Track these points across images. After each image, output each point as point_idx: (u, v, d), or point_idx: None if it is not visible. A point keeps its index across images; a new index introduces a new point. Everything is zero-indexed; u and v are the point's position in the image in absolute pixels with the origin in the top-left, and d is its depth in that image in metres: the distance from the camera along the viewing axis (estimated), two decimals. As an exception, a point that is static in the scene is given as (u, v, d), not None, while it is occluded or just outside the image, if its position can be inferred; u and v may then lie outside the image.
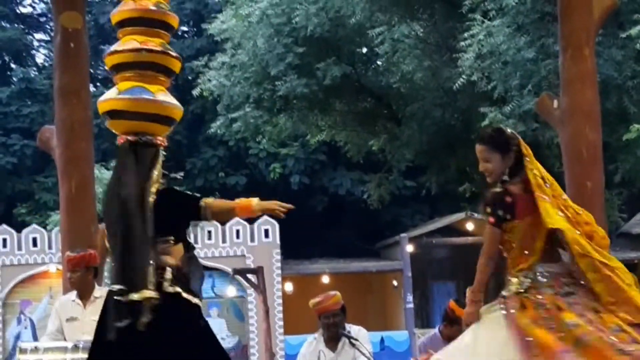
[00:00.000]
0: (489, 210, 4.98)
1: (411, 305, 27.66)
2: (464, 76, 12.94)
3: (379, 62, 15.97)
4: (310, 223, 31.08)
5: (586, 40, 7.87)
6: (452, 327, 7.31)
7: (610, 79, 11.85)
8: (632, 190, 14.05)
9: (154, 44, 5.11)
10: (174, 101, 5.18)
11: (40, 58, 36.60)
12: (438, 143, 15.53)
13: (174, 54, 5.19)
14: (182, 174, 5.77)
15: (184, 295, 5.03)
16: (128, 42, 5.10)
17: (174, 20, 5.25)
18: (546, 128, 11.28)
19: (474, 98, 13.72)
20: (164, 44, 5.17)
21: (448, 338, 7.30)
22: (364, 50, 16.51)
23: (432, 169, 16.49)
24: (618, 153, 12.74)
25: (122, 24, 5.15)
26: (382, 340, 26.64)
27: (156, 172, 5.08)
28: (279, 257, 26.95)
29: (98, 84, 34.06)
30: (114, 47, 5.15)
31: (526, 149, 5.02)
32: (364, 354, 7.45)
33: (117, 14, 5.18)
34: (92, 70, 33.77)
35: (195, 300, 5.07)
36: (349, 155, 17.94)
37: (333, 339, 7.71)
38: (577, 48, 7.85)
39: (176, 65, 5.21)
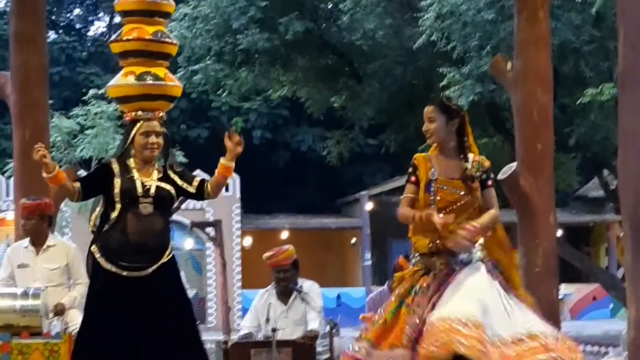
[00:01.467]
0: (491, 175, 5.28)
1: (369, 263, 27.86)
2: (424, 35, 13.00)
3: (342, 19, 15.95)
4: (272, 178, 31.11)
5: (541, 3, 7.91)
6: None
7: (568, 42, 11.94)
8: (587, 153, 14.20)
9: (155, 31, 5.99)
10: (173, 81, 6.04)
11: (1, 2, 36.20)
12: (398, 102, 15.59)
13: (172, 40, 6.14)
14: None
15: None
16: (132, 31, 5.98)
17: (170, 8, 6.13)
18: (503, 90, 11.35)
19: (434, 58, 13.79)
20: (162, 32, 6.02)
21: None
22: (328, 6, 16.48)
23: (392, 128, 16.58)
24: (574, 116, 12.87)
25: (125, 14, 6.06)
26: (338, 296, 26.83)
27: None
28: (238, 211, 26.98)
29: (60, 30, 33.75)
30: (125, 35, 5.99)
31: (469, 129, 5.27)
32: (314, 309, 7.54)
33: (125, 3, 6.05)
34: (54, 17, 33.46)
35: None
36: (311, 111, 17.96)
37: (284, 293, 7.79)
38: (532, 11, 7.90)
39: (173, 50, 6.15)
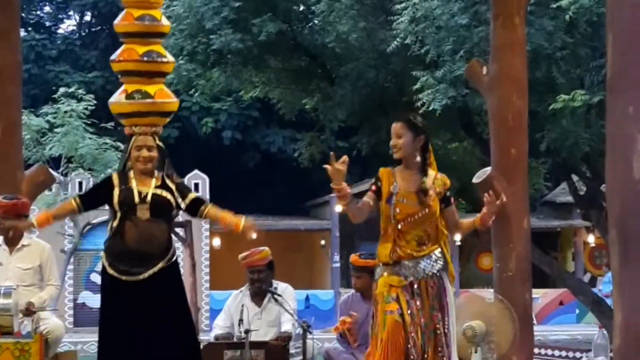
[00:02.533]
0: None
1: (338, 265, 27.88)
2: (398, 39, 13.02)
3: (315, 21, 15.95)
4: (241, 179, 31.05)
5: (517, 9, 7.95)
6: (360, 278, 7.43)
7: (540, 48, 12.00)
8: (557, 159, 14.27)
9: (146, 51, 6.31)
10: (170, 98, 6.36)
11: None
12: (370, 104, 15.62)
13: (169, 59, 6.43)
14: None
15: None
16: (130, 52, 6.32)
17: (164, 28, 6.50)
18: (476, 94, 11.40)
19: (407, 61, 13.81)
20: (156, 52, 6.32)
21: (360, 290, 7.45)
22: (301, 8, 16.48)
23: (363, 130, 16.59)
24: (545, 122, 12.92)
25: (122, 35, 6.40)
26: (307, 298, 26.85)
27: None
28: (208, 211, 26.89)
29: (29, 28, 33.51)
30: (118, 56, 6.36)
31: (431, 147, 5.68)
32: (287, 311, 7.52)
33: (120, 26, 6.41)
34: (23, 14, 33.18)
35: None
36: (282, 112, 17.95)
37: (258, 294, 7.77)
38: (508, 16, 7.93)
39: (168, 68, 6.49)
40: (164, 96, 6.36)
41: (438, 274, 5.49)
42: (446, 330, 5.44)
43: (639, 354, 2.99)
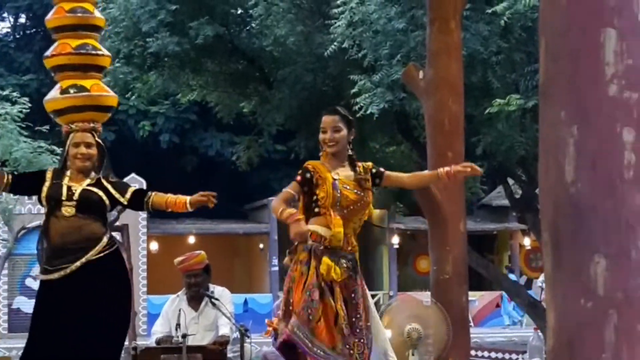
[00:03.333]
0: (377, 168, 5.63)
1: (276, 269, 27.87)
2: (335, 43, 13.04)
3: (252, 24, 15.91)
4: (179, 183, 30.81)
5: (453, 14, 8.02)
6: None
7: (476, 53, 12.09)
8: (493, 163, 14.40)
9: (79, 44, 6.17)
10: (108, 92, 6.22)
11: None
12: (308, 108, 15.61)
13: (104, 52, 6.32)
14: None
15: None
16: (63, 45, 6.18)
17: (99, 21, 6.38)
18: (413, 98, 11.47)
19: (344, 65, 13.83)
20: (90, 45, 6.19)
21: None
22: (238, 11, 16.43)
23: (301, 134, 16.58)
24: (481, 126, 13.03)
25: (53, 30, 6.27)
26: (245, 302, 26.79)
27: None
28: (145, 215, 26.72)
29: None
30: (52, 51, 6.23)
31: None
32: (224, 315, 7.51)
33: (52, 20, 6.27)
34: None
35: None
36: (220, 116, 17.88)
37: (195, 299, 7.75)
38: (444, 21, 8.00)
39: (107, 62, 6.38)
40: (101, 90, 6.21)
41: (354, 276, 5.37)
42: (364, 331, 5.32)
43: (571, 356, 3.04)
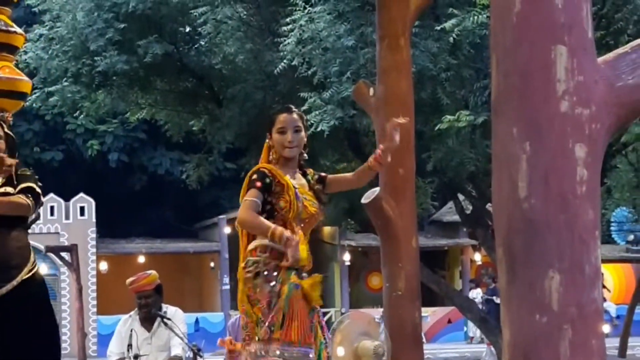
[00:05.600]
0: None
1: (227, 287, 27.76)
2: (285, 60, 13.04)
3: (201, 42, 15.89)
4: (128, 202, 30.66)
5: (402, 31, 8.03)
6: None
7: (425, 69, 12.17)
8: (444, 179, 14.48)
9: None
10: (20, 76, 5.40)
11: None
12: (258, 126, 15.57)
13: (17, 30, 5.42)
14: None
15: None
16: None
17: None
18: (363, 115, 11.50)
19: (294, 82, 13.86)
20: (5, 22, 5.38)
21: None
22: (187, 29, 16.40)
23: (251, 152, 16.55)
24: (431, 142, 13.10)
25: None
26: (197, 321, 26.63)
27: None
28: (94, 235, 26.51)
29: None
30: None
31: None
32: (177, 335, 7.46)
33: None
34: None
35: None
36: (169, 134, 17.81)
37: (147, 319, 7.69)
38: (394, 38, 8.00)
39: (19, 41, 5.52)
40: (12, 73, 5.41)
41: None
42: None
43: (527, 371, 3.04)
